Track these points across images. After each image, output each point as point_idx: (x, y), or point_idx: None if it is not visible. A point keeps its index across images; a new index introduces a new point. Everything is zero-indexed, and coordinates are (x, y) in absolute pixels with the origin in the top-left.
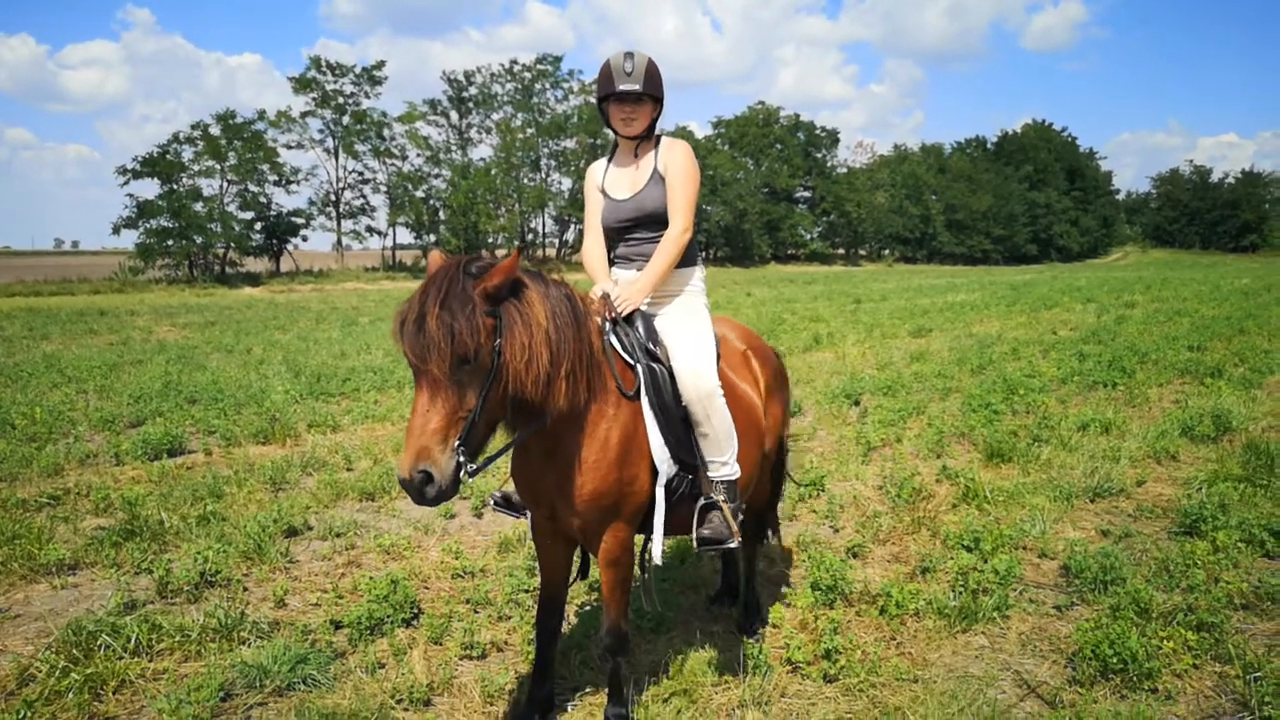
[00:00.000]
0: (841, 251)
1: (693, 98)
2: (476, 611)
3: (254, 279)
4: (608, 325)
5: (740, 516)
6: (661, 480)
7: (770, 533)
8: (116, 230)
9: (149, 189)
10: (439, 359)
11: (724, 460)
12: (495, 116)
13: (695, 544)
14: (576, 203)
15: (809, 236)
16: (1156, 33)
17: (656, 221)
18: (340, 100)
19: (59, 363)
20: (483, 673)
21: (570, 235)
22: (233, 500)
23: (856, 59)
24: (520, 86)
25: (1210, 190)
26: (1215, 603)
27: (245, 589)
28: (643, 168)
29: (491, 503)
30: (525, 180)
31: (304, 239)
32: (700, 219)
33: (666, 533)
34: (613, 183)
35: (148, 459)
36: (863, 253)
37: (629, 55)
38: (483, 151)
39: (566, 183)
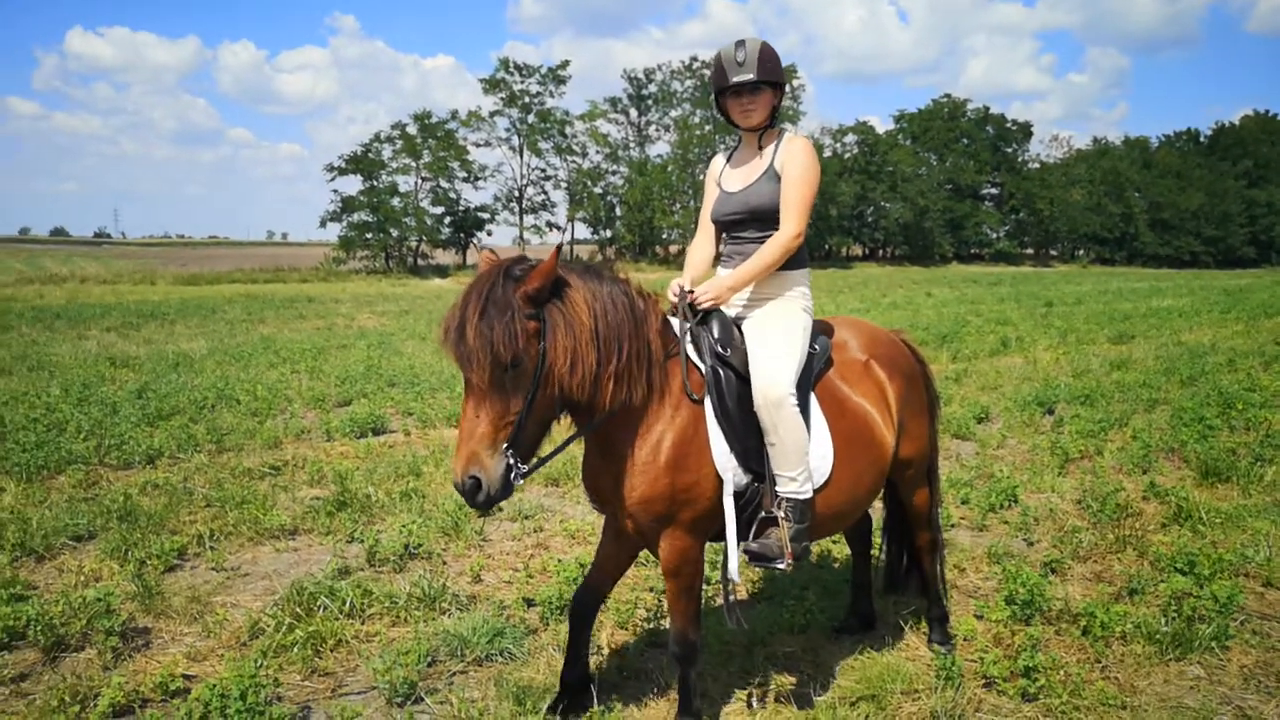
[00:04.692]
0: (1030, 251)
1: (874, 91)
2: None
3: (442, 271)
4: (686, 324)
5: (804, 541)
6: (729, 489)
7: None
8: (323, 223)
9: (352, 185)
10: (479, 369)
11: (792, 476)
12: (674, 113)
13: (745, 556)
14: None
15: (995, 235)
16: None
17: (762, 220)
18: (526, 100)
19: (274, 344)
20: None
21: None
22: (430, 479)
23: (1054, 47)
24: (699, 83)
25: None
26: None
27: (444, 563)
28: (759, 162)
29: None
30: (700, 176)
31: (488, 233)
32: (878, 216)
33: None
34: (729, 176)
35: (354, 436)
36: (1054, 253)
37: (740, 44)
38: (660, 148)
39: None
